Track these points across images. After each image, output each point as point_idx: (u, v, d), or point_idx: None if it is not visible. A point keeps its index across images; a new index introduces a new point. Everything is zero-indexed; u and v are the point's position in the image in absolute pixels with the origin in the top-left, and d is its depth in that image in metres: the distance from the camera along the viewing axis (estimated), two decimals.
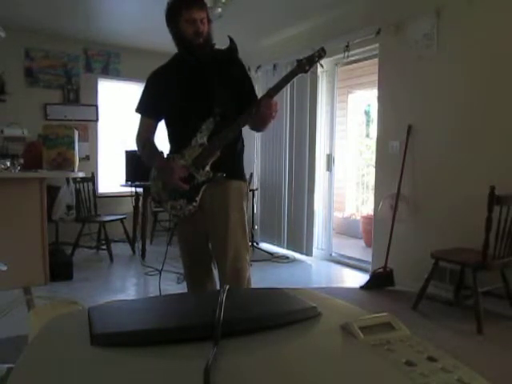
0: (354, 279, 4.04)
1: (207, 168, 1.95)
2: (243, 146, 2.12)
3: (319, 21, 4.49)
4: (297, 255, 4.88)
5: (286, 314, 0.72)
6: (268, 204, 5.40)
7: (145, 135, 2.11)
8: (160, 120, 2.11)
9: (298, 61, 1.87)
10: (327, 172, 4.79)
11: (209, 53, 1.98)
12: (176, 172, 1.93)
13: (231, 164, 2.03)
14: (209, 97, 1.97)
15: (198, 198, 1.99)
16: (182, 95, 2.01)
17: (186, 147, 1.98)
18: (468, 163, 3.22)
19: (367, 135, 6.69)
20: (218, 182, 1.96)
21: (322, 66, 2.00)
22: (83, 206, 4.71)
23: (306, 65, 1.86)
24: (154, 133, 2.12)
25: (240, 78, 2.05)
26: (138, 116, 2.14)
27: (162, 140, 2.16)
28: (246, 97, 2.02)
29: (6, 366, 1.69)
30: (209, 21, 1.98)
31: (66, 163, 2.75)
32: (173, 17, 1.95)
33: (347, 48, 4.11)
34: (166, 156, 2.06)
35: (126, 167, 4.96)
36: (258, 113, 1.85)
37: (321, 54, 1.87)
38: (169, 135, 2.12)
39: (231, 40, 2.05)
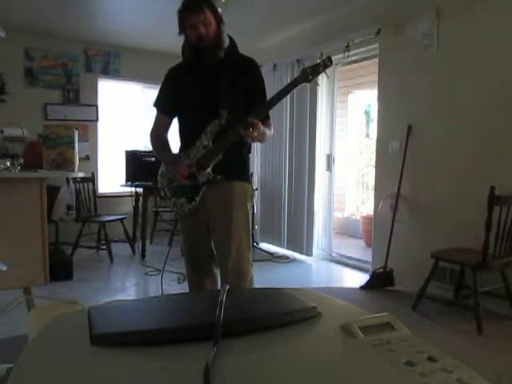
0: (354, 279, 4.04)
1: (208, 170, 1.97)
2: (250, 148, 2.12)
3: (319, 21, 4.49)
4: (297, 255, 4.88)
5: (285, 314, 0.72)
6: (268, 204, 5.40)
7: (158, 131, 2.16)
8: (174, 117, 2.14)
9: (303, 70, 1.85)
10: (327, 172, 4.79)
11: (217, 54, 1.96)
12: (179, 168, 1.96)
13: (236, 166, 2.04)
14: (215, 99, 1.96)
15: (197, 198, 2.02)
16: (189, 95, 2.02)
17: (192, 147, 2.00)
18: (468, 163, 3.22)
19: (367, 135, 6.68)
20: (221, 183, 1.97)
21: (327, 75, 1.97)
22: (83, 206, 4.70)
23: (310, 74, 1.83)
24: (167, 129, 2.17)
25: (251, 81, 2.03)
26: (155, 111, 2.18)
27: (173, 137, 2.19)
28: (257, 100, 1.99)
29: (6, 366, 1.69)
30: (219, 21, 1.95)
31: (66, 163, 2.74)
32: (180, 24, 1.96)
33: (347, 48, 4.11)
34: (175, 154, 2.09)
35: (126, 167, 4.95)
36: (243, 131, 1.81)
37: (326, 63, 1.82)
38: (179, 133, 2.15)
39: (231, 39, 2.05)
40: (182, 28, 1.96)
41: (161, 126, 2.16)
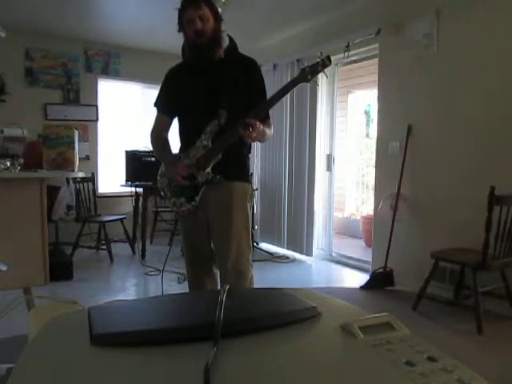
0: (354, 279, 4.04)
1: (208, 169, 1.97)
2: (250, 148, 2.12)
3: (319, 21, 4.49)
4: (297, 255, 4.88)
5: (285, 314, 0.72)
6: (268, 204, 5.40)
7: (158, 131, 2.16)
8: (174, 117, 2.14)
9: (302, 69, 1.84)
10: (327, 172, 4.79)
11: (215, 51, 1.97)
12: (178, 169, 1.97)
13: (236, 166, 2.04)
14: (215, 98, 1.97)
15: (197, 198, 2.02)
16: (189, 95, 2.03)
17: (192, 147, 2.00)
18: (468, 163, 3.22)
19: (367, 135, 6.68)
20: (220, 183, 1.97)
21: (326, 75, 1.97)
22: (83, 206, 4.70)
23: (309, 74, 1.82)
24: (167, 129, 2.18)
25: (252, 81, 2.03)
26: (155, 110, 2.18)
27: (174, 136, 2.19)
28: (257, 100, 1.98)
29: (6, 366, 1.69)
30: (217, 18, 1.96)
31: (66, 163, 2.74)
32: (179, 21, 1.98)
33: (347, 48, 4.11)
34: (175, 154, 2.09)
35: (126, 167, 4.95)
36: (242, 131, 1.81)
37: (325, 63, 1.81)
38: (179, 133, 2.15)
39: (231, 39, 2.05)
40: (181, 26, 1.97)
41: (161, 126, 2.16)
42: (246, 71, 2.03)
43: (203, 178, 1.98)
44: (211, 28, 1.93)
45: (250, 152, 2.13)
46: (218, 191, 1.99)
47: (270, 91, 1.97)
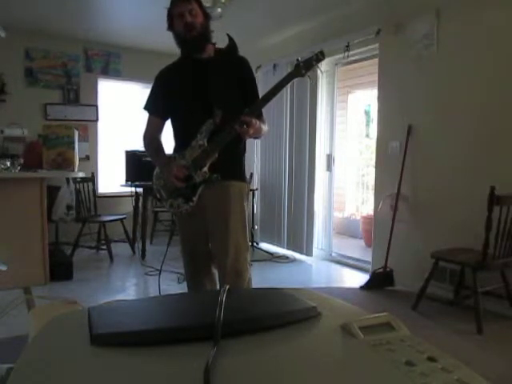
0: (354, 279, 4.04)
1: (205, 169, 1.96)
2: (245, 147, 2.12)
3: (319, 21, 4.49)
4: (297, 255, 4.88)
5: (286, 314, 0.72)
6: (268, 204, 5.40)
7: (151, 133, 2.14)
8: (167, 119, 2.13)
9: (296, 64, 1.84)
10: (327, 172, 4.79)
11: (205, 46, 1.99)
12: (173, 171, 1.96)
13: (232, 165, 2.04)
14: (210, 97, 1.97)
15: (194, 198, 2.01)
16: (183, 95, 2.02)
17: (187, 147, 1.99)
18: (468, 163, 3.22)
19: (367, 135, 6.68)
20: (218, 182, 1.97)
21: (321, 70, 1.97)
22: (83, 206, 4.70)
23: (303, 68, 1.83)
24: (160, 131, 2.16)
25: (244, 80, 2.04)
26: (146, 114, 2.16)
27: (168, 138, 2.18)
28: (250, 99, 1.99)
29: (6, 366, 1.69)
30: (205, 15, 1.99)
31: (66, 163, 2.75)
32: (168, 18, 1.99)
33: (347, 48, 4.11)
34: (169, 155, 2.08)
35: (126, 167, 4.95)
36: (239, 128, 1.83)
37: (319, 57, 1.81)
38: (173, 134, 2.14)
39: (230, 38, 2.06)
40: (171, 23, 1.99)
41: (154, 129, 2.14)
42: (239, 70, 2.04)
43: (200, 178, 1.97)
44: (200, 23, 1.95)
45: (245, 151, 2.13)
46: (214, 191, 1.99)
47: None
